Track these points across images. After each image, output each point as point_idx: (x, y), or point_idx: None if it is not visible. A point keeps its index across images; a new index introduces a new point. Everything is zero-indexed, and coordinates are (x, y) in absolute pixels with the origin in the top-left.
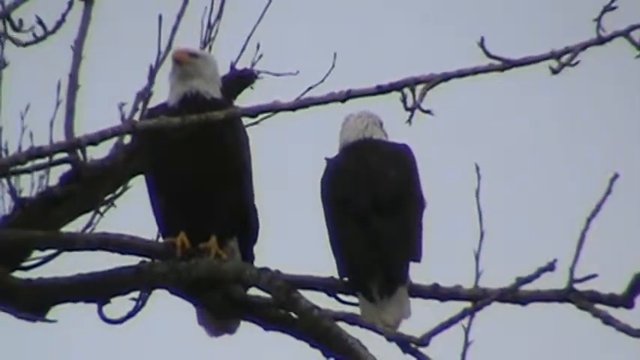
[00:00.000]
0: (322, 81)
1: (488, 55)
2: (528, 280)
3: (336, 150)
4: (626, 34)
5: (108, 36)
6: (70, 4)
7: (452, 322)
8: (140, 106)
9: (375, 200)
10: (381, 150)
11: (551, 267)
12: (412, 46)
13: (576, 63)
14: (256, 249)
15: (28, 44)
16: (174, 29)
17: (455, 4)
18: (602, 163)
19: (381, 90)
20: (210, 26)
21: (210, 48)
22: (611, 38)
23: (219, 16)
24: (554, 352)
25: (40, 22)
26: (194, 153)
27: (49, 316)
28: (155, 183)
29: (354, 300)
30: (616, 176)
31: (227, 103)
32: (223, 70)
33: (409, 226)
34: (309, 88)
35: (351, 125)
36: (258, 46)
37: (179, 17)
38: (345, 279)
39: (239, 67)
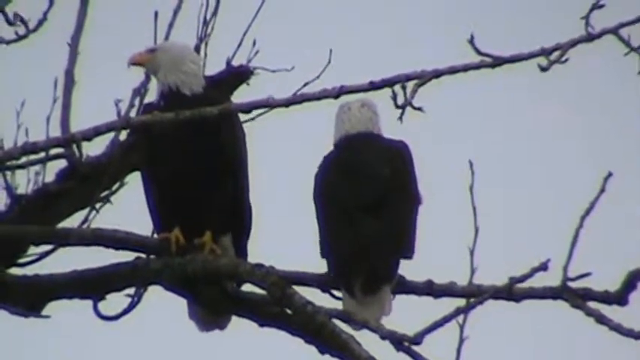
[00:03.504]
0: (318, 77)
1: (478, 53)
2: (521, 279)
3: (333, 139)
4: (614, 31)
5: (104, 32)
6: (51, 3)
7: (445, 320)
8: (136, 102)
9: (366, 197)
10: (378, 146)
11: (544, 267)
12: (406, 42)
13: (565, 60)
14: (250, 245)
15: (11, 42)
16: (171, 25)
17: (446, 1)
18: (594, 160)
19: (373, 86)
20: (206, 22)
21: (206, 44)
22: (600, 35)
23: (215, 13)
24: (549, 348)
25: (22, 21)
26: (190, 148)
27: (44, 312)
28: (150, 178)
29: None
30: (609, 175)
31: (210, 94)
32: (219, 66)
33: (400, 223)
34: (305, 84)
35: (355, 114)
36: (254, 43)
37: (175, 13)
38: (332, 274)
39: (235, 63)
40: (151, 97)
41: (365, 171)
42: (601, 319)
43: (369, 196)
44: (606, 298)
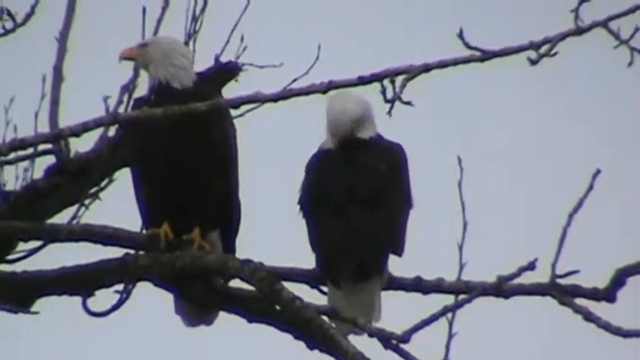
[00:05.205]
0: (307, 73)
1: (467, 46)
2: (510, 278)
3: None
4: (604, 24)
5: (92, 28)
6: None
7: (433, 318)
8: (125, 98)
9: (355, 192)
10: (375, 145)
11: (531, 266)
12: (395, 37)
13: (555, 54)
14: (239, 241)
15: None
16: (159, 21)
17: None
18: (583, 156)
19: (362, 81)
20: (194, 18)
21: (194, 41)
22: (589, 28)
23: (203, 9)
24: (538, 345)
25: (9, 14)
26: (179, 144)
27: (33, 308)
28: (140, 173)
29: None
30: (598, 172)
31: (200, 88)
32: (208, 62)
33: (389, 219)
34: (294, 80)
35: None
36: (242, 39)
37: (163, 9)
38: (319, 269)
39: (223, 59)
40: (140, 93)
41: (361, 165)
42: (589, 317)
43: (365, 189)
44: (595, 294)
